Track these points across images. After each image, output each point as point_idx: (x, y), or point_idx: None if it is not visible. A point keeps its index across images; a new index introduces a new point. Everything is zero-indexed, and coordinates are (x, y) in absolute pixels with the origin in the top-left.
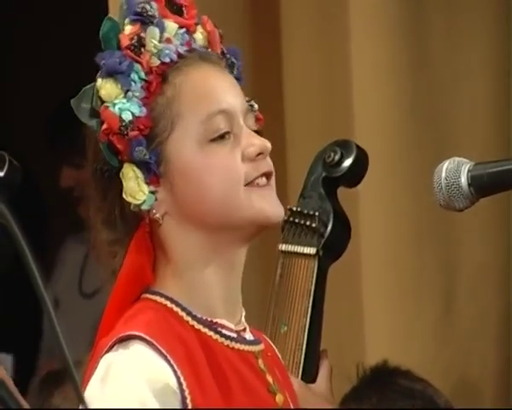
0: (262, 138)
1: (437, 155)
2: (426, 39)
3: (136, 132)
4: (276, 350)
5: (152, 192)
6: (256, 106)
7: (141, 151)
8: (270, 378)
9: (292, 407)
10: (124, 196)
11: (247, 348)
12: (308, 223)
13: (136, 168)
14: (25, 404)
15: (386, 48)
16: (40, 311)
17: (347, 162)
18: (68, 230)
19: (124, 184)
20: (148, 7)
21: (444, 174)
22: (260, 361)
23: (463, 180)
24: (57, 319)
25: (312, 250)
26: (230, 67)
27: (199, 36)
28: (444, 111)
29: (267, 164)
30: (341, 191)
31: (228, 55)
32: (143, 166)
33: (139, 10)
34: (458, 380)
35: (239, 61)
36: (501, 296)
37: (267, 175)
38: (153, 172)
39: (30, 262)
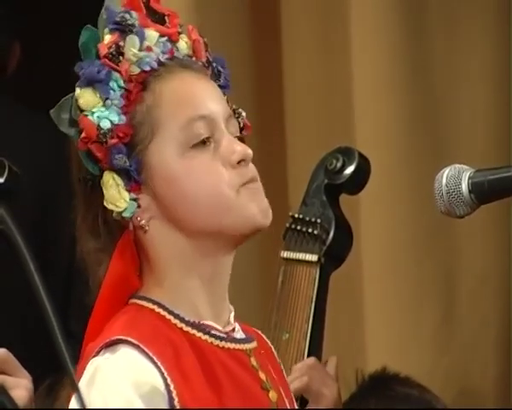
0: (243, 145)
1: (437, 162)
2: (425, 49)
3: (115, 140)
4: (273, 348)
5: (133, 199)
6: (244, 114)
7: (121, 158)
8: (262, 375)
9: (287, 403)
10: (105, 203)
11: (237, 346)
12: (310, 230)
13: (116, 176)
14: None
15: (386, 56)
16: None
17: (349, 169)
18: None
19: (104, 192)
20: (127, 16)
21: (444, 181)
22: (252, 359)
23: (464, 187)
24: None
25: (314, 257)
26: (217, 75)
27: (183, 44)
28: (444, 119)
29: (250, 170)
30: (342, 199)
31: (214, 64)
32: (123, 173)
33: (118, 19)
34: (458, 389)
35: (226, 70)
36: (501, 305)
37: (252, 181)
38: (133, 179)
39: (30, 268)
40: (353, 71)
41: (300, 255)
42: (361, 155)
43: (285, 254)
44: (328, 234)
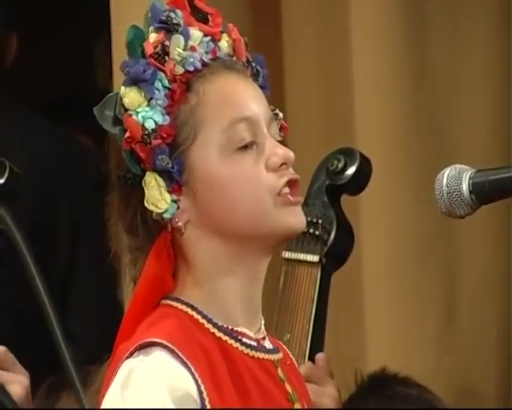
0: (285, 148)
1: (438, 163)
2: (427, 49)
3: (158, 141)
4: (294, 359)
5: (174, 201)
6: (281, 115)
7: (163, 159)
8: (288, 387)
9: None
10: (146, 204)
11: (266, 356)
12: (311, 230)
13: (158, 177)
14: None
15: (387, 57)
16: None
17: (351, 170)
18: None
19: (146, 192)
20: (172, 15)
21: (445, 181)
22: (279, 370)
23: (465, 187)
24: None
25: (315, 258)
26: (255, 75)
27: (224, 44)
28: (445, 120)
29: (290, 172)
30: (343, 200)
31: (253, 64)
32: (166, 174)
33: (164, 18)
34: (459, 389)
35: (264, 70)
36: (502, 306)
37: (291, 183)
38: (175, 180)
39: (30, 266)
40: (354, 71)
41: (302, 256)
42: (362, 156)
43: (286, 254)
44: (329, 235)
